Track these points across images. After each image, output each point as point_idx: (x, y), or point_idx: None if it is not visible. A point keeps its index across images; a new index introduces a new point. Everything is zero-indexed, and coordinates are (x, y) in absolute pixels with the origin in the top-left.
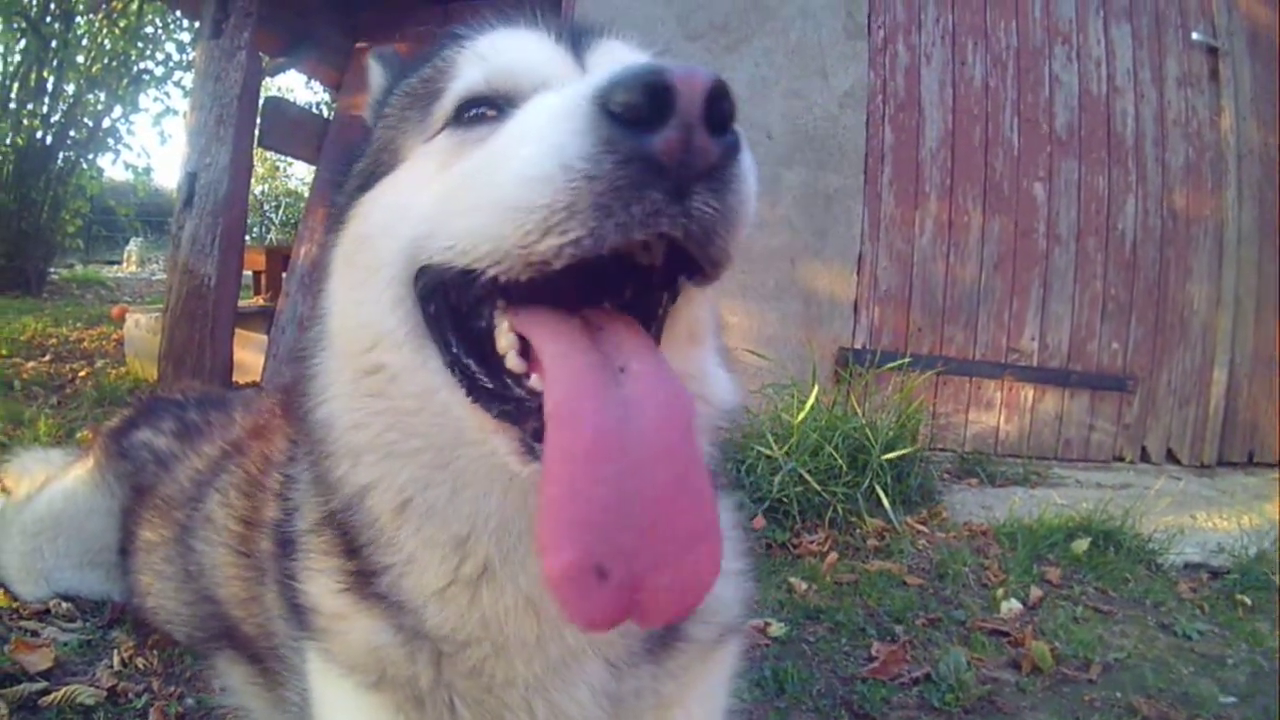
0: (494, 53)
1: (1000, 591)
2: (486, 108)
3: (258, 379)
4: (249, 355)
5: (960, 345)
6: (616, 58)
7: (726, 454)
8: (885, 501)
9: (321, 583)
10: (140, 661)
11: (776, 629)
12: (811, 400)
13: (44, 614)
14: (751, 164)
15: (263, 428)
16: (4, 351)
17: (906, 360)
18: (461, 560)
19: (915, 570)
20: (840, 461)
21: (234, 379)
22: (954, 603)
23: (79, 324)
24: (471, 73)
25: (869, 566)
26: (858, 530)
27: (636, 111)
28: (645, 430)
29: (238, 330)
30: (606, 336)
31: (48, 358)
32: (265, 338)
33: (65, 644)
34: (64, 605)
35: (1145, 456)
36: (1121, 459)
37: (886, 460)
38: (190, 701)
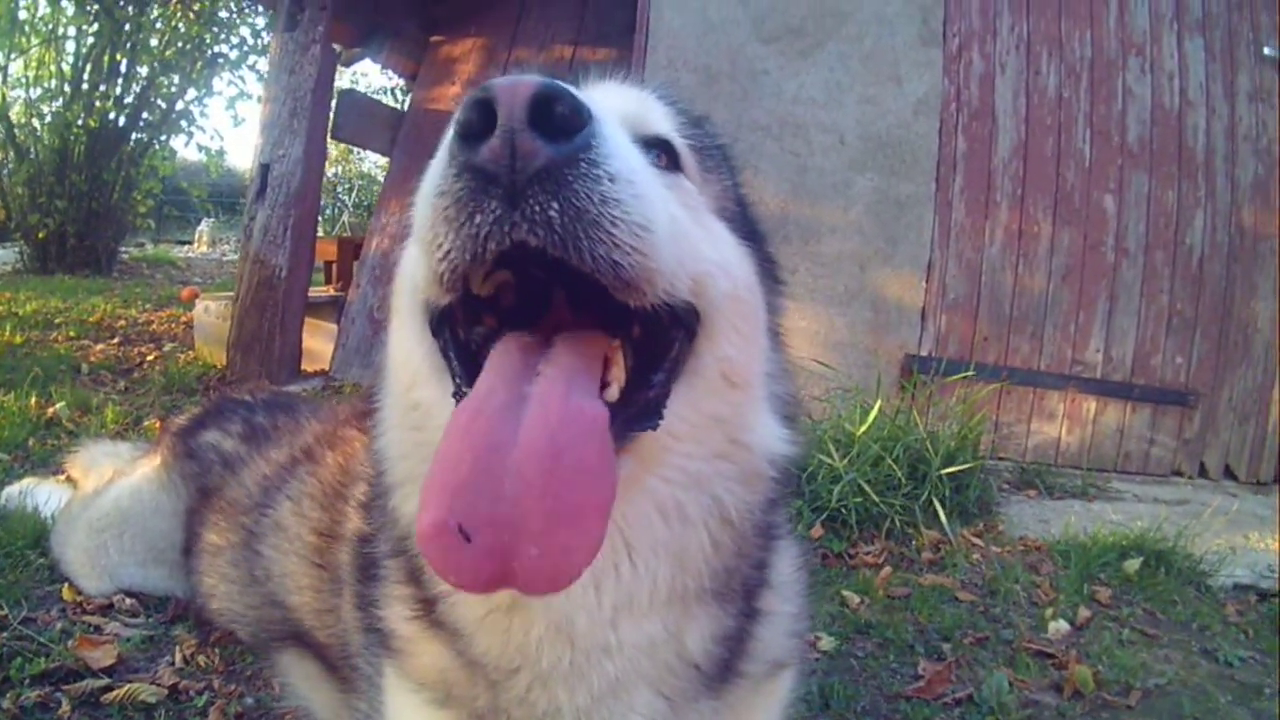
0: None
1: (1049, 611)
2: None
3: (327, 367)
4: (318, 344)
5: (1025, 355)
6: (595, 95)
7: (786, 499)
8: (942, 516)
9: (396, 610)
10: (202, 659)
11: (827, 643)
12: (875, 412)
13: (107, 609)
14: (636, 167)
15: (336, 436)
16: (73, 333)
17: (971, 373)
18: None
19: (968, 585)
20: (899, 474)
21: (303, 367)
22: (1003, 621)
23: (148, 305)
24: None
25: (923, 580)
26: (914, 542)
27: (469, 127)
28: (528, 414)
29: (308, 319)
30: (552, 352)
31: (116, 340)
32: (335, 327)
33: (128, 640)
34: (127, 601)
35: (1204, 472)
36: (1180, 474)
37: (945, 474)
38: (250, 701)
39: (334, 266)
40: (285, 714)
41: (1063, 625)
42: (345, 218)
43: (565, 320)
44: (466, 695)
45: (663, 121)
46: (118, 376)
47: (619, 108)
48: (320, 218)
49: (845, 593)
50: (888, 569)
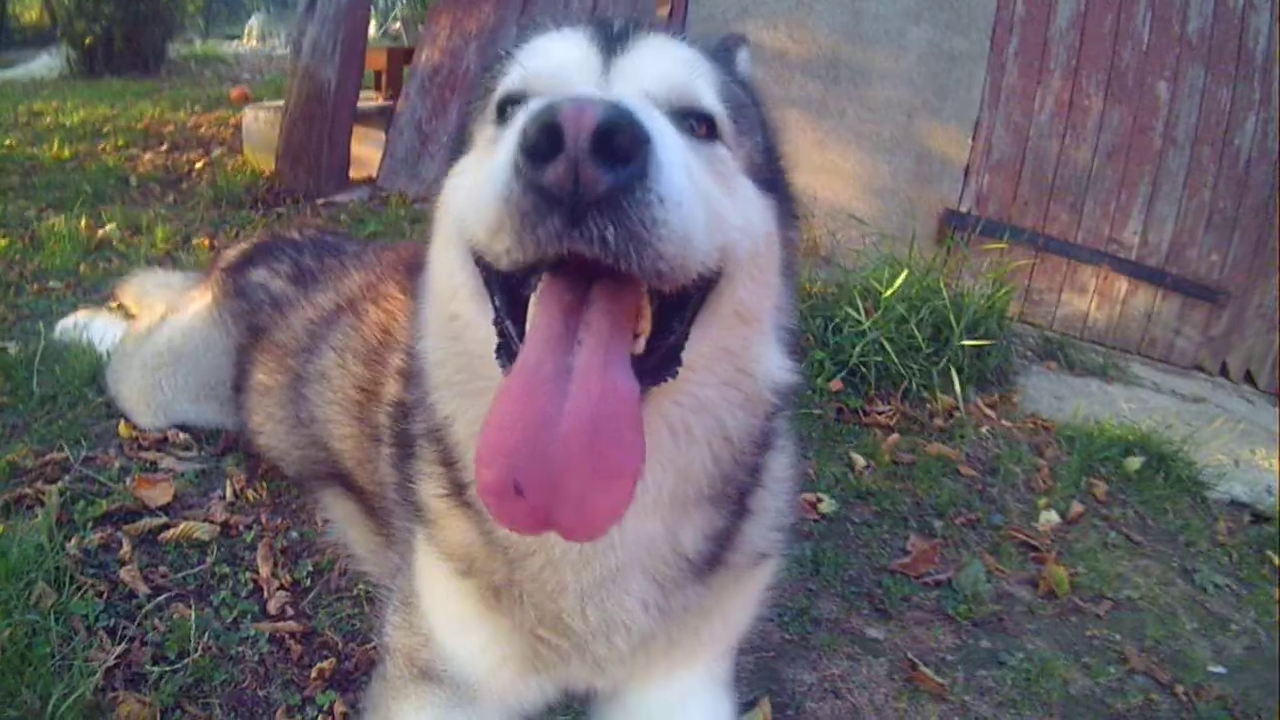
0: (531, 55)
1: (1043, 501)
2: (519, 106)
3: (374, 174)
4: (366, 150)
5: (1063, 226)
6: (644, 59)
7: (786, 411)
8: (957, 386)
9: (429, 487)
10: (250, 494)
11: (827, 505)
12: (902, 278)
13: (162, 443)
14: (677, 190)
15: (379, 291)
16: (121, 142)
17: (1004, 245)
18: None
19: (972, 459)
20: (920, 339)
21: (351, 175)
22: (997, 504)
23: (197, 108)
24: (512, 75)
25: (929, 449)
26: (928, 406)
27: (536, 147)
28: (572, 390)
29: (356, 127)
30: (590, 313)
31: (164, 147)
32: (383, 135)
33: (182, 474)
34: (181, 436)
35: (1225, 371)
36: (1202, 369)
37: (966, 345)
38: (295, 535)
39: (383, 75)
40: (327, 548)
41: (1053, 517)
42: (397, 9)
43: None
44: (486, 569)
45: (707, 91)
46: (166, 188)
47: (666, 75)
48: (373, 9)
49: (853, 454)
50: (895, 435)
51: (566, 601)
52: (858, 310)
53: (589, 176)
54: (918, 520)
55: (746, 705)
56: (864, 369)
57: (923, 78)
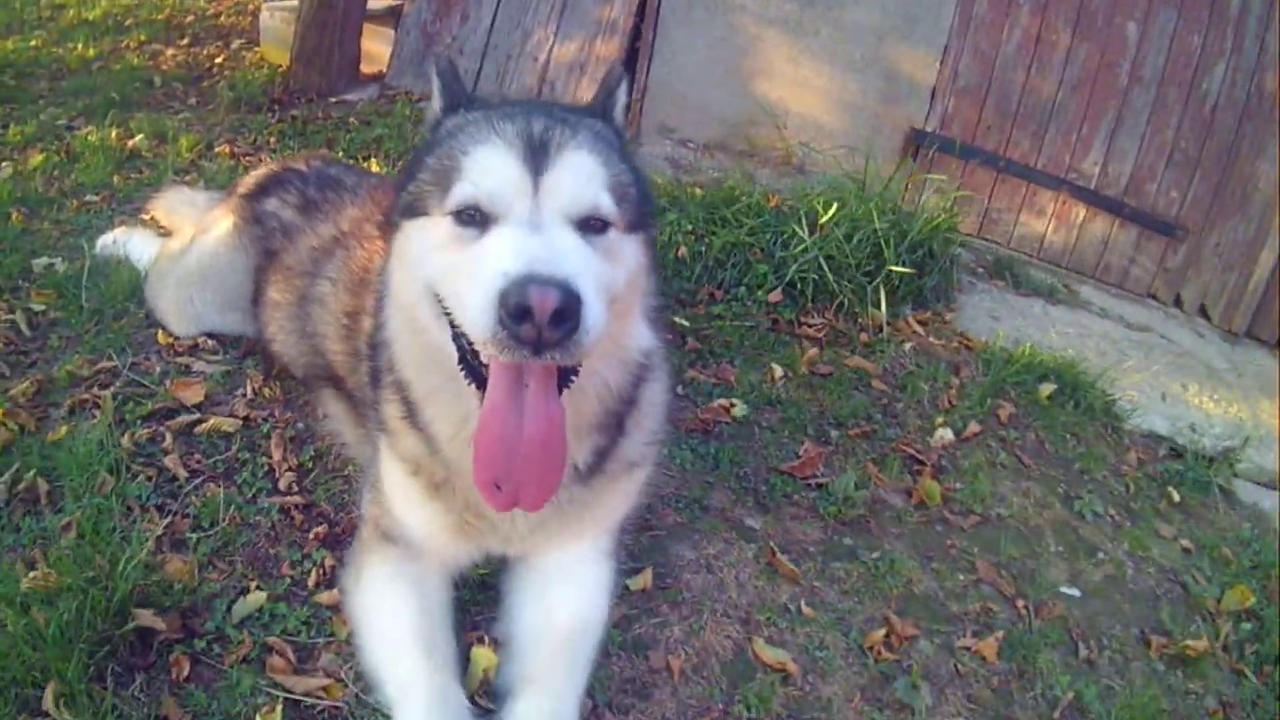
0: (478, 172)
1: (941, 419)
2: (474, 212)
3: (384, 70)
4: (377, 46)
5: (1025, 151)
6: (560, 180)
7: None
8: (883, 306)
9: (390, 410)
10: (266, 391)
11: (739, 409)
12: (834, 211)
13: (194, 349)
14: (595, 323)
15: (364, 234)
16: (143, 37)
17: (963, 163)
18: (460, 426)
19: (887, 374)
20: (852, 262)
21: (361, 70)
22: (899, 418)
23: None
24: (462, 188)
25: (848, 362)
26: (859, 320)
27: (512, 312)
28: (526, 423)
29: (366, 25)
30: (529, 363)
31: (185, 41)
32: (392, 32)
33: (210, 375)
34: (209, 342)
35: (1179, 303)
36: (1156, 298)
37: (899, 270)
38: (301, 426)
39: None
40: (325, 436)
41: (948, 434)
42: None
43: None
44: (429, 471)
45: (604, 199)
46: (188, 87)
47: (576, 196)
48: None
49: (774, 364)
50: (814, 351)
51: None
52: (802, 228)
53: (548, 335)
54: (817, 429)
55: (634, 571)
56: (802, 283)
57: (894, 4)
